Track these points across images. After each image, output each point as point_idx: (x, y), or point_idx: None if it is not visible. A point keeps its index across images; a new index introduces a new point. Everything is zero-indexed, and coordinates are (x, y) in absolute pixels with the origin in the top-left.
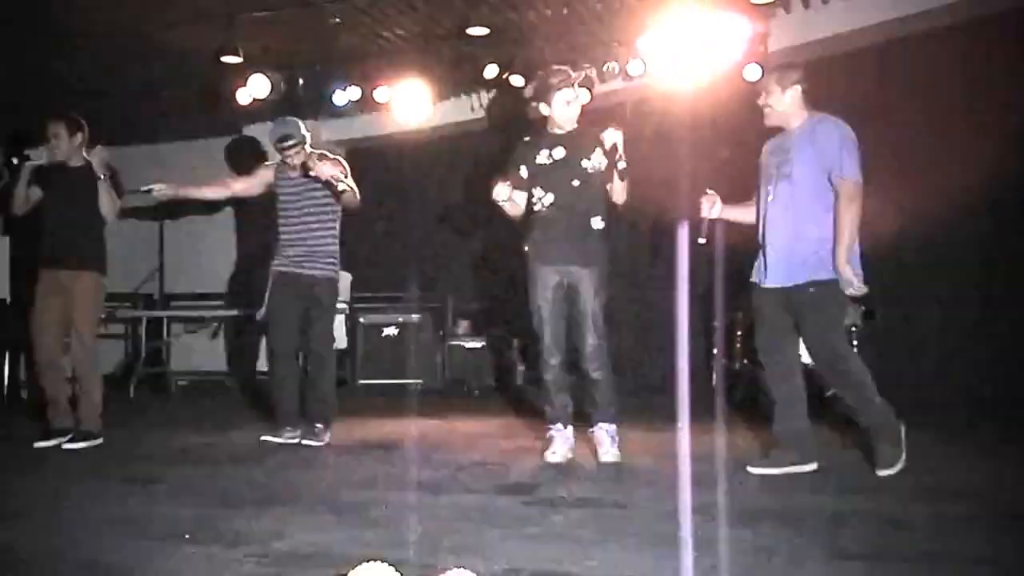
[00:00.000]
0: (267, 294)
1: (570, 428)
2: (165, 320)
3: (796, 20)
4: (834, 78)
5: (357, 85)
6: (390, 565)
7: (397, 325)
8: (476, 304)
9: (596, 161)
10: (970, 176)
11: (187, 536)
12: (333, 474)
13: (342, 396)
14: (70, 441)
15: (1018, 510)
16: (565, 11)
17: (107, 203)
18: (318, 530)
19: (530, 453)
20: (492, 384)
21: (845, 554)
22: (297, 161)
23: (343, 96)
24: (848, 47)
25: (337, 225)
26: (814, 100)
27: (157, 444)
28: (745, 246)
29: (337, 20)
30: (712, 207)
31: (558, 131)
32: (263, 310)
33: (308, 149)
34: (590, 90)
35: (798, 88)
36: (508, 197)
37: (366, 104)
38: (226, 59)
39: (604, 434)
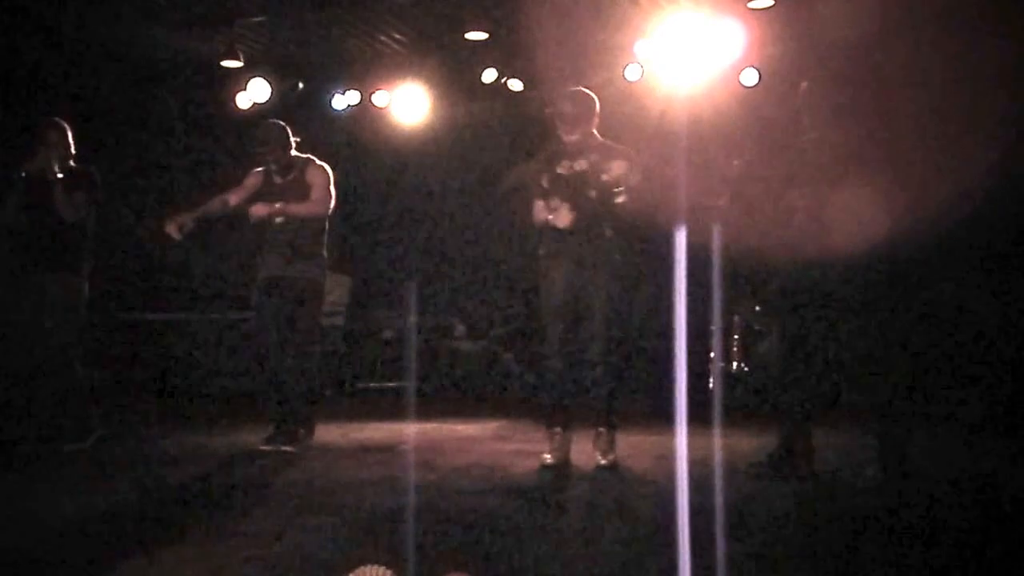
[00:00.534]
0: (253, 298)
1: (569, 431)
2: None
3: None
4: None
5: (356, 89)
6: (388, 568)
7: (395, 328)
8: (474, 307)
9: (615, 176)
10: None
11: (187, 537)
12: (332, 476)
13: (341, 399)
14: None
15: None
16: (563, 16)
17: (65, 203)
18: (317, 532)
19: (528, 456)
20: (490, 387)
21: (843, 556)
22: (272, 160)
23: (342, 100)
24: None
25: (322, 227)
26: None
27: (156, 445)
28: (743, 249)
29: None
30: None
31: (580, 143)
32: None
33: (294, 153)
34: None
35: None
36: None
37: (365, 108)
38: (226, 63)
39: (603, 438)
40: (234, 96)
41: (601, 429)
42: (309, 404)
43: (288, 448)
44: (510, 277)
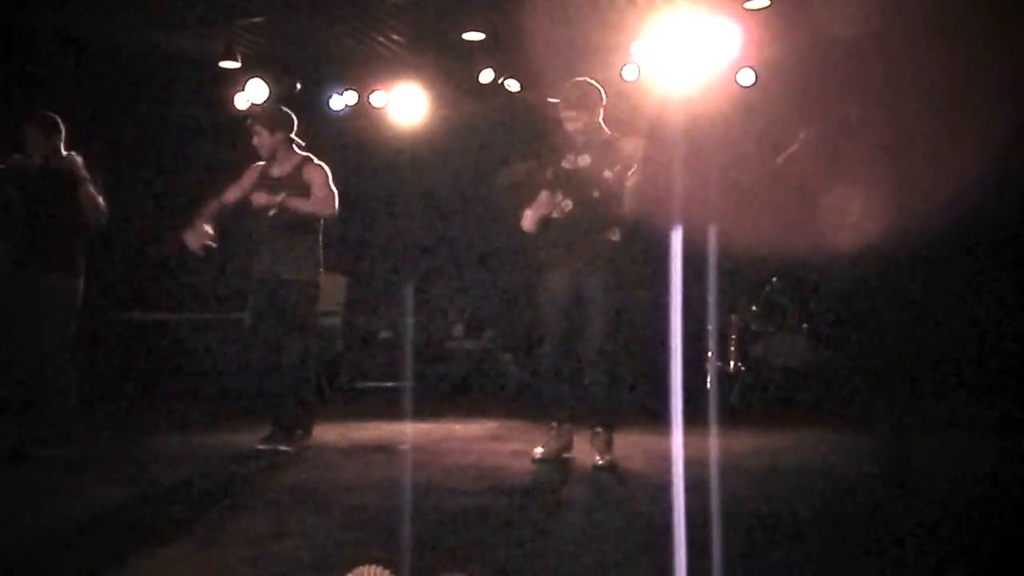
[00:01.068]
0: (248, 299)
1: (566, 427)
2: None
3: None
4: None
5: (353, 90)
6: (386, 567)
7: (393, 328)
8: (472, 307)
9: (620, 168)
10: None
11: (186, 537)
12: (330, 476)
13: (339, 399)
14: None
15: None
16: (560, 16)
17: (92, 206)
18: (315, 532)
19: (526, 456)
20: (488, 387)
21: (840, 556)
22: (259, 145)
23: (340, 101)
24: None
25: (317, 226)
26: None
27: (155, 445)
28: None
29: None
30: None
31: (587, 139)
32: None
33: (295, 147)
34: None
35: None
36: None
37: (362, 108)
38: (224, 64)
39: (600, 438)
40: (232, 97)
41: (599, 429)
42: (306, 404)
43: (285, 448)
44: (508, 276)
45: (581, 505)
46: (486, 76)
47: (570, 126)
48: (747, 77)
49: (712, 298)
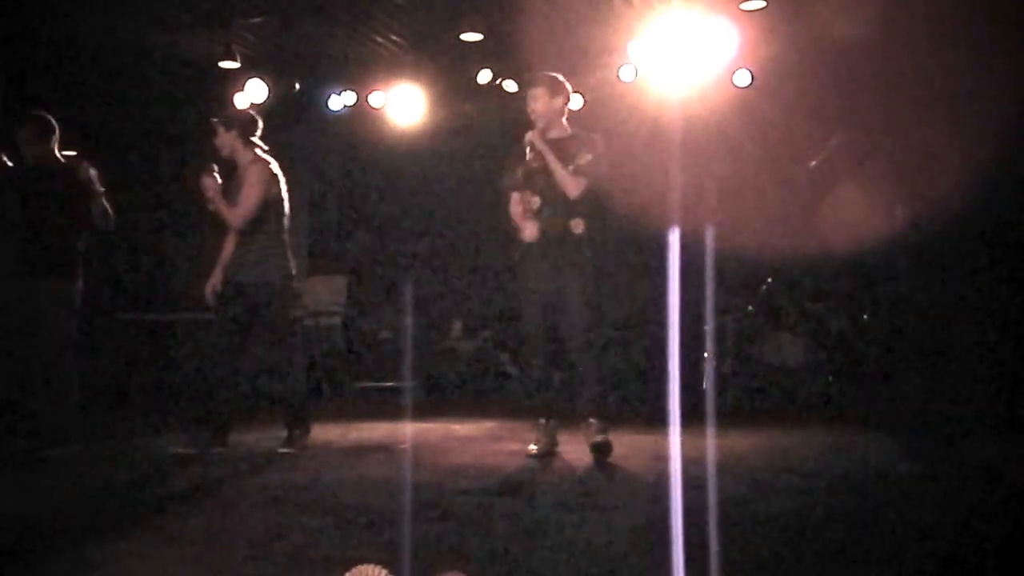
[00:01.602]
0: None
1: (554, 422)
2: None
3: None
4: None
5: (352, 90)
6: (384, 567)
7: (392, 328)
8: (471, 307)
9: (578, 165)
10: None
11: (185, 536)
12: (329, 476)
13: (340, 399)
14: None
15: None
16: (557, 17)
17: (104, 218)
18: (314, 531)
19: (523, 455)
20: (487, 386)
21: (836, 556)
22: (219, 145)
23: (338, 101)
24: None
25: (278, 225)
26: None
27: (154, 445)
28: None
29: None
30: None
31: (550, 133)
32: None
33: (240, 144)
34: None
35: None
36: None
37: (361, 109)
38: (224, 64)
39: (593, 428)
40: (232, 97)
41: (592, 420)
42: (298, 406)
43: (285, 450)
44: (506, 276)
45: (580, 505)
46: (484, 77)
47: (532, 105)
48: (743, 78)
49: (708, 298)
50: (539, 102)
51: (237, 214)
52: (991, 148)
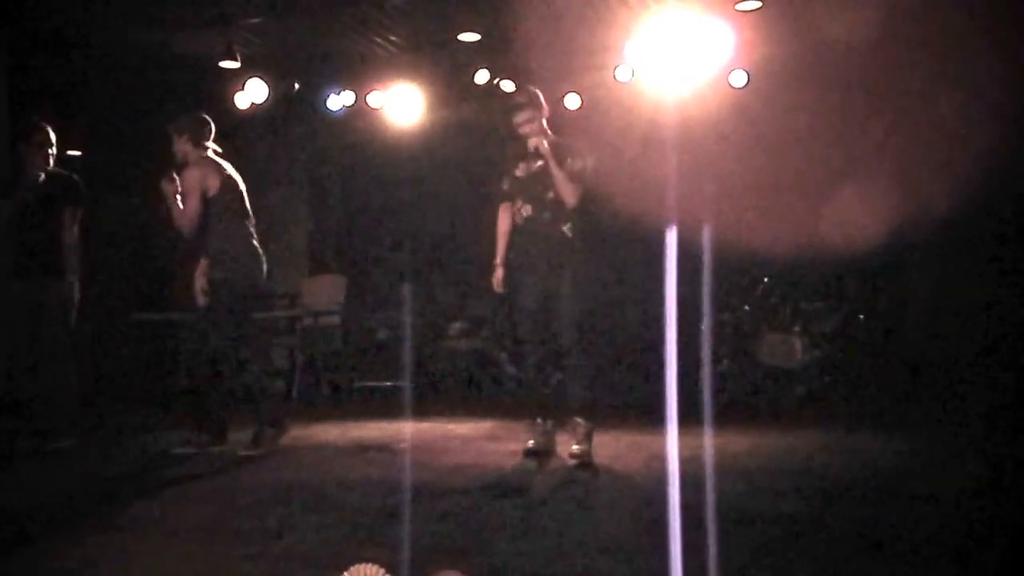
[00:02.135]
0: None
1: (549, 422)
2: None
3: None
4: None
5: (351, 90)
6: (381, 566)
7: (390, 327)
8: (469, 306)
9: (567, 172)
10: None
11: (183, 535)
12: (327, 475)
13: (338, 398)
14: None
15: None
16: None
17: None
18: (311, 531)
19: (520, 455)
20: (485, 386)
21: (834, 555)
22: (176, 150)
23: (337, 101)
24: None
25: (227, 224)
26: None
27: (152, 446)
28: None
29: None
30: None
31: (536, 144)
32: None
33: (189, 148)
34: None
35: None
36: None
37: (360, 109)
38: (224, 64)
39: (579, 430)
40: (232, 96)
41: (578, 420)
42: (263, 406)
43: (246, 452)
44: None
45: (577, 504)
46: (482, 77)
47: (522, 131)
48: (739, 78)
49: (704, 298)
50: (535, 125)
51: (175, 221)
52: (987, 148)
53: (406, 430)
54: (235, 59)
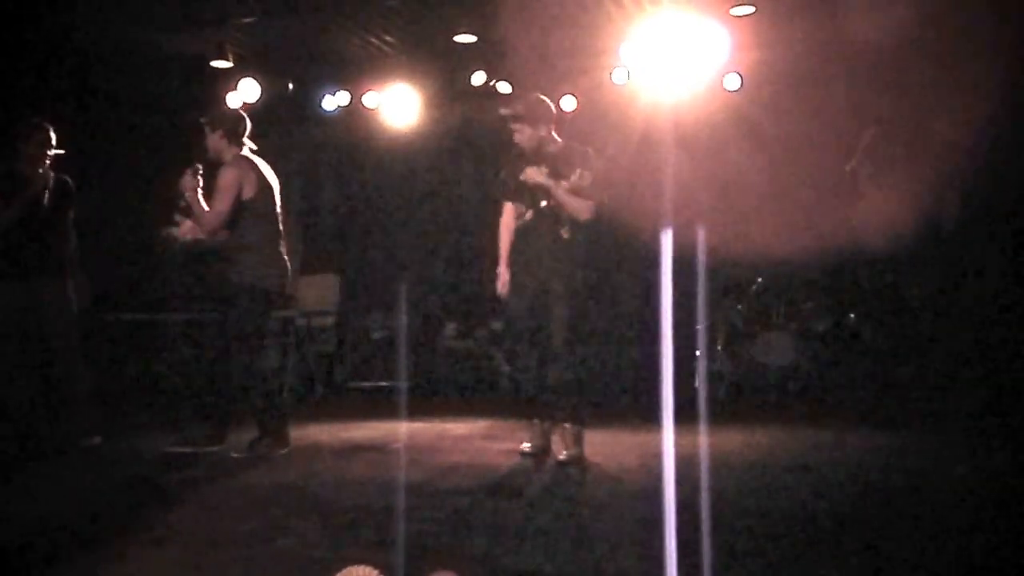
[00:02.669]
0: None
1: (548, 424)
2: None
3: None
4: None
5: (346, 90)
6: (376, 567)
7: (386, 328)
8: (464, 307)
9: (574, 181)
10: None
11: (178, 537)
12: (322, 476)
13: (333, 399)
14: None
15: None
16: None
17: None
18: (307, 532)
19: (516, 455)
20: (480, 386)
21: (830, 555)
22: (207, 145)
23: (332, 101)
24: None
25: (256, 227)
26: None
27: (151, 446)
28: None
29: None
30: None
31: (538, 150)
32: None
33: (225, 144)
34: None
35: None
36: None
37: (355, 109)
38: (216, 64)
39: (568, 433)
40: (224, 96)
41: (567, 424)
42: (262, 410)
43: (237, 455)
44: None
45: (574, 503)
46: (478, 78)
47: (517, 138)
48: (733, 82)
49: (699, 298)
50: (524, 135)
51: (203, 220)
52: (978, 150)
53: (401, 430)
54: (228, 59)
